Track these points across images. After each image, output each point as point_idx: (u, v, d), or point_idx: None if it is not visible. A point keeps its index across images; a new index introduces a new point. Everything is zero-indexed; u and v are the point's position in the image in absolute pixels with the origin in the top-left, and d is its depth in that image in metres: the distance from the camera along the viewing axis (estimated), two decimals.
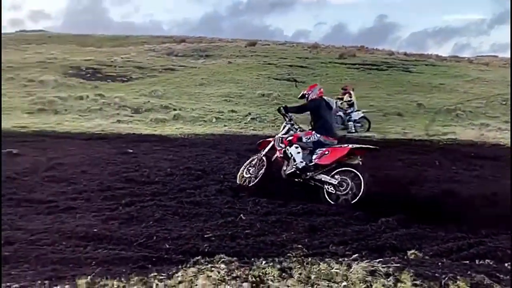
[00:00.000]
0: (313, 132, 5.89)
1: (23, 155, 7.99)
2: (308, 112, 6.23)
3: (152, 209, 4.86)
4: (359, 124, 14.03)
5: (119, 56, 27.92)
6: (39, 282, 2.97)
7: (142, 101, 17.62)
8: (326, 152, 5.61)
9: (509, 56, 39.12)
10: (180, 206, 5.05)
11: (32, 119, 13.86)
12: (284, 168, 5.99)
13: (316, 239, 4.13)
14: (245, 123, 14.46)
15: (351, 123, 13.80)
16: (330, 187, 5.48)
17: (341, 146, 5.65)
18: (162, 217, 4.62)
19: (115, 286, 2.90)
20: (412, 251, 3.75)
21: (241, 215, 4.67)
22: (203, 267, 3.26)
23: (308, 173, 5.68)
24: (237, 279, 3.08)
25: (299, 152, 5.75)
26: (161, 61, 27.70)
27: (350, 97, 14.32)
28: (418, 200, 5.54)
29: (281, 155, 6.02)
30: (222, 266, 3.26)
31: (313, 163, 5.65)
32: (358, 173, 5.38)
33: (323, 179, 5.56)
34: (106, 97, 17.54)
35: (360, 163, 5.57)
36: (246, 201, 5.32)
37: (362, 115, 14.26)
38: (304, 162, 5.66)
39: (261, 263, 3.39)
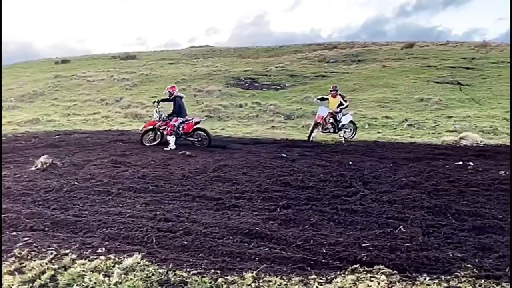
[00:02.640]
0: (178, 118, 10.72)
1: (194, 157, 9.06)
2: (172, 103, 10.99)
3: (308, 213, 4.98)
4: (348, 129, 12.29)
5: (273, 65, 29.48)
6: (212, 271, 3.32)
7: (295, 107, 18.28)
8: (185, 126, 10.84)
9: None
10: (335, 212, 5.06)
11: (200, 125, 15.66)
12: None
13: (489, 259, 3.66)
14: (401, 129, 13.67)
15: (341, 128, 12.16)
16: (195, 140, 10.96)
17: (191, 121, 10.93)
18: (318, 222, 4.69)
19: (278, 283, 3.06)
20: None
21: (401, 226, 4.43)
22: (362, 276, 3.20)
23: (182, 137, 10.82)
24: None
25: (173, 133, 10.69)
26: (313, 68, 28.19)
27: (344, 99, 12.29)
28: None
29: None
30: (383, 277, 3.14)
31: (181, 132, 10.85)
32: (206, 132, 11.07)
33: (190, 138, 10.97)
34: (262, 105, 18.78)
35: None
36: (404, 211, 5.03)
37: (351, 118, 12.40)
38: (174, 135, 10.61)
39: (425, 279, 3.17)
